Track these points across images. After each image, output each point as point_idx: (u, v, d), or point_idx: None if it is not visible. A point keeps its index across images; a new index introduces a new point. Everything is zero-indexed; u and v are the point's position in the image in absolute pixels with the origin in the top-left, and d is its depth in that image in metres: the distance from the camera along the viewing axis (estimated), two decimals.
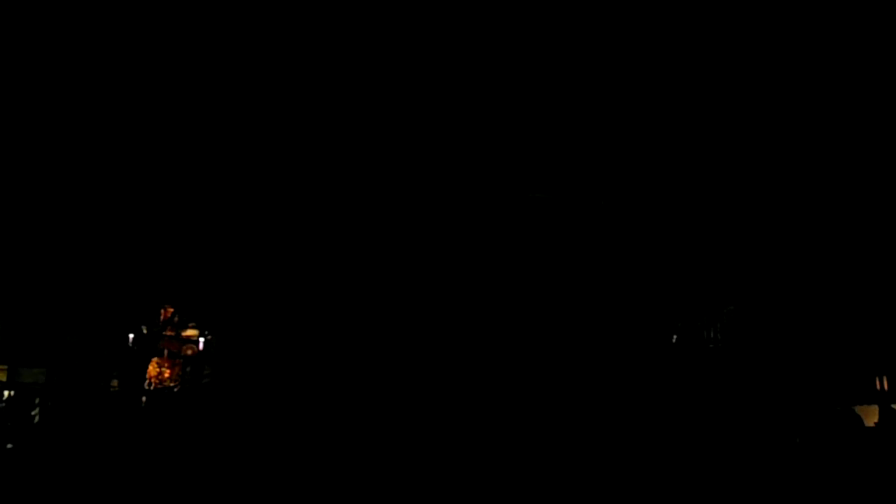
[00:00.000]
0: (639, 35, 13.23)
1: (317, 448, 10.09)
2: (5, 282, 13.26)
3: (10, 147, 12.76)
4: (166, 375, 16.30)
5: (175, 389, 15.60)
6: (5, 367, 13.78)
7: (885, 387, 13.42)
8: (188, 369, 16.14)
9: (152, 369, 15.93)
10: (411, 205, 14.57)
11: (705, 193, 14.85)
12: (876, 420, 10.86)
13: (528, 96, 14.35)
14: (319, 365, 13.02)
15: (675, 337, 14.88)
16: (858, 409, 10.94)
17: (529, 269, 15.11)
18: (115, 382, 14.15)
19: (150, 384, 15.52)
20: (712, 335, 14.98)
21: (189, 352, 16.31)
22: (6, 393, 13.08)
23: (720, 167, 14.64)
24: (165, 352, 16.46)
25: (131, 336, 14.38)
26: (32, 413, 12.39)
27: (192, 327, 16.16)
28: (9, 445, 10.99)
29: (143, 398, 14.48)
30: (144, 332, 14.77)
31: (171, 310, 15.57)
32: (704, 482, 8.74)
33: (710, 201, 14.87)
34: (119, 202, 13.52)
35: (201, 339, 15.65)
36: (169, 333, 15.89)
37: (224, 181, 13.75)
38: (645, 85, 14.10)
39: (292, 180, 13.92)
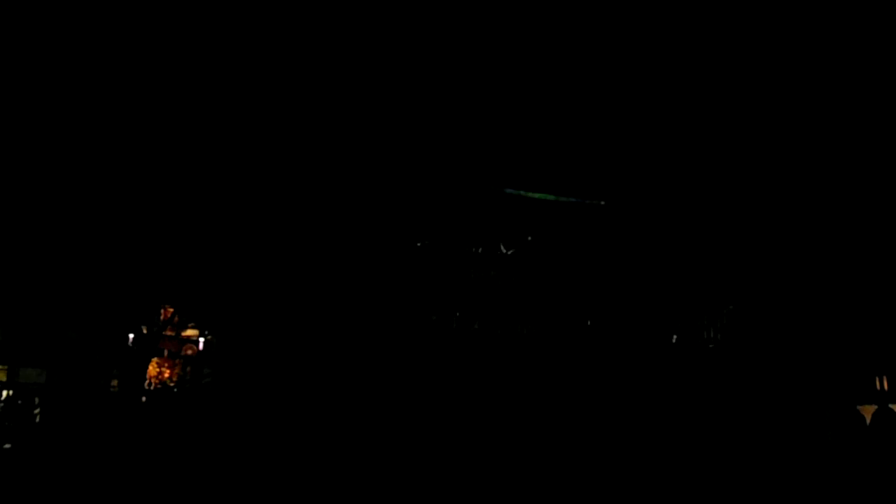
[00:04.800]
0: (641, 36, 13.23)
1: (317, 448, 10.08)
2: (5, 282, 13.25)
3: (10, 147, 12.76)
4: (166, 375, 16.28)
5: (175, 390, 15.59)
6: (5, 367, 13.77)
7: (885, 387, 13.42)
8: (188, 369, 16.12)
9: (152, 369, 15.91)
10: (411, 206, 14.57)
11: (705, 193, 14.85)
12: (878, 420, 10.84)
13: (530, 98, 14.35)
14: (319, 365, 13.02)
15: (675, 337, 14.87)
16: (860, 409, 10.94)
17: (530, 269, 15.11)
18: (115, 382, 14.15)
19: (150, 384, 15.50)
20: (712, 335, 14.98)
21: (189, 352, 16.29)
22: (6, 393, 13.07)
23: (720, 167, 14.64)
24: (165, 352, 16.44)
25: (131, 336, 14.37)
26: (33, 413, 12.39)
27: (192, 327, 16.14)
28: (8, 445, 10.98)
29: (143, 398, 14.46)
30: (144, 332, 14.76)
31: (171, 310, 15.55)
32: (705, 481, 8.74)
33: (711, 201, 14.87)
34: (119, 202, 13.52)
35: (201, 339, 15.63)
36: (169, 333, 15.87)
37: (224, 181, 13.75)
38: (645, 86, 14.10)
39: (291, 180, 13.92)
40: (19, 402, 12.65)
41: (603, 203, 15.01)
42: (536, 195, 14.90)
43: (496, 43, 13.46)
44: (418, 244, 14.59)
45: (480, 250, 14.91)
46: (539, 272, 15.00)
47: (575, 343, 14.34)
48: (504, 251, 14.99)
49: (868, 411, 10.55)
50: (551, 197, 14.92)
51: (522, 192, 14.86)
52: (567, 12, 12.95)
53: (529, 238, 15.08)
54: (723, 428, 11.38)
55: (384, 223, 14.31)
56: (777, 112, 13.85)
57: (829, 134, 13.78)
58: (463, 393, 12.80)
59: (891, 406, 10.66)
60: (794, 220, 14.40)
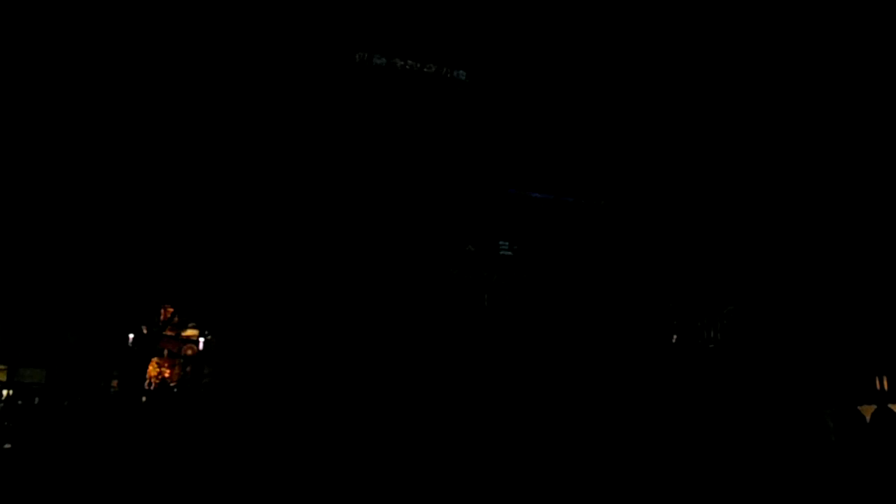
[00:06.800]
0: (642, 37, 13.24)
1: (316, 447, 10.09)
2: (5, 282, 13.26)
3: (10, 147, 12.77)
4: (166, 375, 16.31)
5: (175, 390, 15.60)
6: (5, 367, 13.78)
7: (885, 387, 13.43)
8: (188, 369, 16.15)
9: (152, 369, 15.93)
10: (411, 206, 14.57)
11: (705, 194, 14.86)
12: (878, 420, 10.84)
13: (531, 100, 14.35)
14: (319, 365, 13.02)
15: (675, 337, 14.88)
16: (860, 409, 10.93)
17: (530, 268, 15.11)
18: (115, 382, 14.17)
19: (150, 384, 15.52)
20: (712, 335, 14.98)
21: (189, 352, 16.31)
22: (6, 393, 13.08)
23: (720, 168, 14.64)
24: (165, 352, 16.47)
25: (131, 336, 14.38)
26: (33, 413, 12.38)
27: (192, 327, 16.16)
28: (8, 445, 10.97)
29: (143, 398, 14.48)
30: (144, 332, 14.77)
31: (171, 310, 15.57)
32: (705, 480, 8.74)
33: (710, 202, 14.88)
34: (119, 203, 13.53)
35: (201, 339, 15.65)
36: (169, 333, 15.89)
37: (224, 182, 13.76)
38: (645, 86, 14.10)
39: (291, 181, 13.93)
40: (19, 402, 12.65)
41: (603, 203, 15.01)
42: (536, 195, 14.91)
43: (498, 45, 13.46)
44: (417, 244, 14.58)
45: (480, 250, 14.91)
46: (539, 272, 15.00)
47: (575, 343, 14.33)
48: (504, 250, 14.99)
49: (868, 411, 10.54)
50: (551, 197, 14.93)
51: (523, 193, 14.87)
52: (567, 15, 12.96)
53: (529, 238, 15.08)
54: (723, 427, 11.38)
55: (383, 223, 14.31)
56: (776, 113, 13.86)
57: (829, 135, 13.79)
58: (462, 394, 12.79)
59: (891, 406, 10.66)
60: (794, 221, 14.41)
